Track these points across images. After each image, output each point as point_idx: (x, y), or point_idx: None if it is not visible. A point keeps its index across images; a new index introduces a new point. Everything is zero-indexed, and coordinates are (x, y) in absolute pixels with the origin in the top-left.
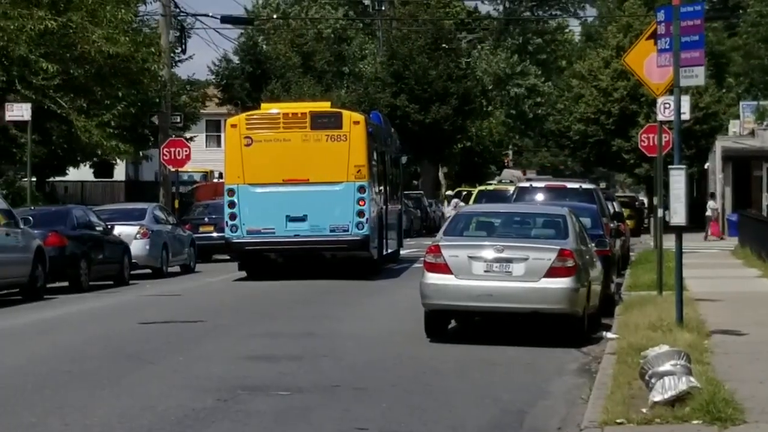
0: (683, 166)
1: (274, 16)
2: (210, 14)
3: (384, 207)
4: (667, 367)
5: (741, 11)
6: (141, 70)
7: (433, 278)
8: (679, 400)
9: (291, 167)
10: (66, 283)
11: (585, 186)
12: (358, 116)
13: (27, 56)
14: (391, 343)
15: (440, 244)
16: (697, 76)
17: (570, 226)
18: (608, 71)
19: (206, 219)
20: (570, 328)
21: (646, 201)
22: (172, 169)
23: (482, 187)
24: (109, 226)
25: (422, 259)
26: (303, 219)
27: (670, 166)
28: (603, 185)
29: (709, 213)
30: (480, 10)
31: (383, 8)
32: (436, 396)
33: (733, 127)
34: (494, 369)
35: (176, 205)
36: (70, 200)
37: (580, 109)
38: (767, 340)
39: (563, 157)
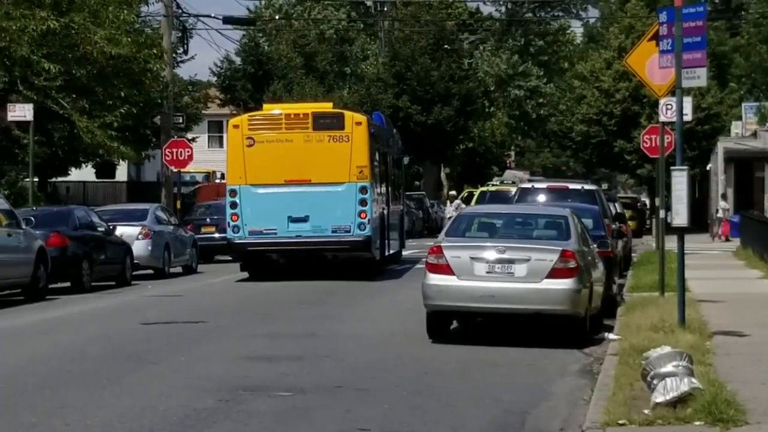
0: (685, 167)
1: (277, 17)
2: (212, 15)
3: (386, 208)
4: (669, 368)
5: (743, 12)
6: (143, 71)
7: (435, 279)
8: (681, 401)
9: (293, 168)
10: (68, 284)
11: (587, 187)
12: (360, 117)
13: (29, 57)
14: (393, 344)
15: (442, 245)
16: (699, 78)
17: (572, 227)
18: (610, 72)
19: (208, 219)
20: (572, 329)
21: (648, 202)
22: (174, 170)
23: (484, 188)
24: (111, 227)
25: (424, 259)
26: (305, 220)
27: (672, 167)
28: (605, 186)
29: (720, 214)
30: (482, 11)
31: (385, 9)
32: (437, 397)
33: (735, 128)
34: (496, 370)
35: (178, 205)
36: (72, 201)
37: (582, 110)
38: None
39: (565, 158)
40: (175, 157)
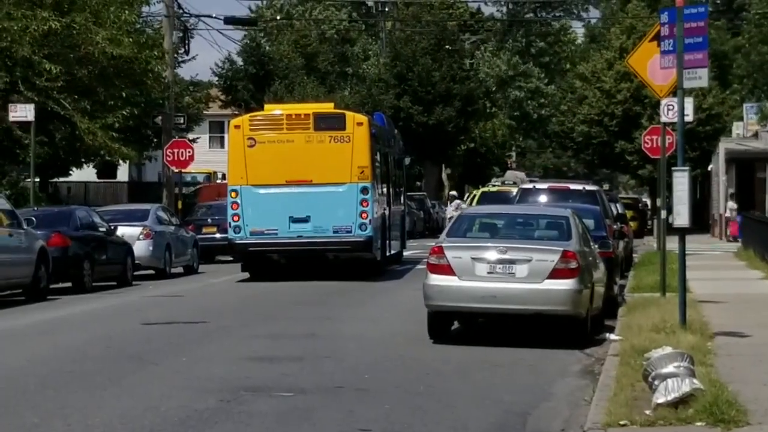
0: (687, 168)
1: (278, 17)
2: (213, 15)
3: (387, 208)
4: (670, 368)
5: (744, 12)
6: (144, 71)
7: (436, 279)
8: (682, 401)
9: (294, 168)
10: (69, 284)
11: (588, 187)
12: (362, 117)
13: (30, 57)
14: (394, 345)
15: (443, 245)
16: (700, 78)
17: (573, 228)
18: (611, 73)
19: (209, 220)
20: (573, 329)
21: (649, 203)
22: (176, 170)
23: (485, 189)
24: (112, 227)
25: (425, 260)
26: (306, 220)
27: (673, 168)
28: (606, 187)
29: (728, 214)
30: (483, 11)
31: (386, 9)
32: (438, 397)
33: (737, 129)
34: (497, 370)
35: (179, 206)
36: (74, 201)
37: (584, 111)
38: None
39: (566, 158)
40: (176, 158)
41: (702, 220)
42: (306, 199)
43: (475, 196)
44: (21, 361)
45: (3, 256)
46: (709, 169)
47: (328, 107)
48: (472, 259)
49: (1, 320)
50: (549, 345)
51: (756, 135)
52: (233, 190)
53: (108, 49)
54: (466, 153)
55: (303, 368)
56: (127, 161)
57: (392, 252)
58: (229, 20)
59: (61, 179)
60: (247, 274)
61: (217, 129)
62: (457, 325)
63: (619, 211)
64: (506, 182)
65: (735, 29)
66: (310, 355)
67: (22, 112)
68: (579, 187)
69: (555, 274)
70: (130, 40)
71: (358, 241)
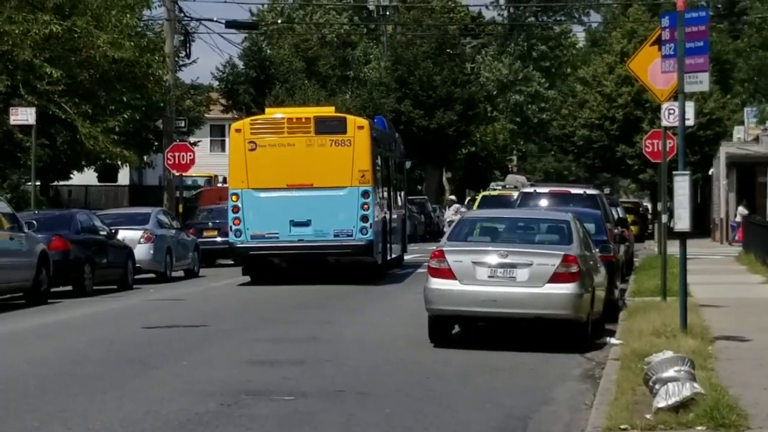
0: (687, 172)
1: (279, 21)
2: (214, 19)
3: (388, 212)
4: (671, 373)
5: (745, 15)
6: (145, 75)
7: (437, 283)
8: (683, 406)
9: (295, 172)
10: (70, 288)
11: (589, 191)
12: (363, 121)
13: (31, 61)
14: (395, 348)
15: (444, 249)
16: (701, 82)
17: (574, 232)
18: (612, 77)
19: (210, 223)
20: (574, 333)
21: (650, 207)
22: (177, 174)
23: (486, 193)
24: (113, 231)
25: (426, 264)
26: (307, 224)
27: (674, 172)
28: (607, 191)
29: (738, 218)
30: (484, 15)
31: (388, 14)
32: (439, 401)
33: (738, 133)
34: (498, 374)
35: (180, 209)
36: (74, 204)
37: (585, 115)
38: None
39: (567, 162)
40: (177, 161)
41: (703, 224)
42: (307, 202)
43: (476, 200)
44: (21, 364)
45: (4, 260)
46: (710, 173)
47: (329, 111)
48: (473, 263)
49: (2, 324)
50: (550, 349)
51: (757, 139)
52: (234, 194)
53: (109, 52)
54: (467, 157)
55: (304, 372)
56: (129, 165)
57: (393, 256)
58: (230, 24)
59: (62, 183)
60: (247, 278)
61: (218, 132)
62: (458, 329)
63: (620, 215)
64: (507, 186)
65: (736, 33)
66: (311, 359)
67: (23, 115)
68: (580, 191)
69: (556, 278)
70: (132, 43)
71: (359, 244)
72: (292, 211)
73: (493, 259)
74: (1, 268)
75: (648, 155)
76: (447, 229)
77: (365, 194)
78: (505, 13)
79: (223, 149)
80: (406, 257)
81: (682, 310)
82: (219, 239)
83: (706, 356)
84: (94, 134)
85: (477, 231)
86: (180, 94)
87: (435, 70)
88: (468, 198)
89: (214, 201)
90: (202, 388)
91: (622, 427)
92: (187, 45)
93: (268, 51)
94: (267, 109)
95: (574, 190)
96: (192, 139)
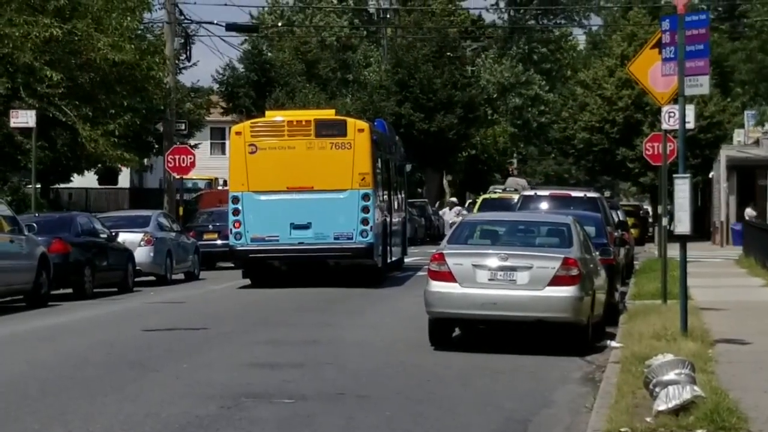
0: (688, 175)
1: (279, 24)
2: (215, 22)
3: (388, 215)
4: (671, 376)
5: (746, 18)
6: (146, 78)
7: (437, 286)
8: (683, 409)
9: (295, 175)
10: (70, 290)
11: (589, 194)
12: (363, 124)
13: (32, 64)
14: (395, 351)
15: (444, 252)
16: (701, 85)
17: (574, 235)
18: (613, 80)
19: (210, 226)
20: (574, 336)
21: (650, 210)
22: (177, 177)
23: (486, 196)
24: (113, 233)
25: (426, 267)
26: (307, 227)
27: (674, 175)
28: (607, 194)
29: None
30: (484, 18)
31: (388, 16)
32: (439, 404)
33: (738, 136)
34: (498, 377)
35: (180, 212)
36: (75, 207)
37: (585, 118)
38: None
39: (568, 165)
40: (177, 164)
41: (703, 227)
42: (307, 205)
43: (476, 203)
44: (22, 366)
45: (4, 263)
46: (710, 176)
47: (329, 114)
48: (473, 265)
49: (2, 326)
50: (550, 352)
51: (757, 142)
52: (234, 197)
53: (110, 55)
54: (467, 160)
55: (304, 375)
56: (129, 168)
57: (393, 259)
58: (231, 27)
59: (63, 185)
60: (248, 281)
61: (219, 135)
62: (458, 332)
63: (620, 219)
64: (507, 189)
65: (737, 35)
66: (311, 362)
67: (24, 118)
68: (580, 194)
69: (556, 281)
70: (132, 46)
71: (359, 247)
72: (292, 214)
73: (494, 262)
74: (1, 270)
75: (648, 158)
76: (448, 232)
77: (365, 197)
78: (506, 16)
79: (223, 152)
80: (406, 260)
81: (682, 313)
82: (219, 242)
83: (707, 359)
84: (95, 137)
85: (477, 234)
86: (180, 96)
87: (435, 73)
88: (468, 201)
89: (215, 204)
90: (203, 391)
91: (623, 430)
92: (188, 48)
93: (269, 54)
94: (267, 112)
95: (574, 193)
96: (192, 142)
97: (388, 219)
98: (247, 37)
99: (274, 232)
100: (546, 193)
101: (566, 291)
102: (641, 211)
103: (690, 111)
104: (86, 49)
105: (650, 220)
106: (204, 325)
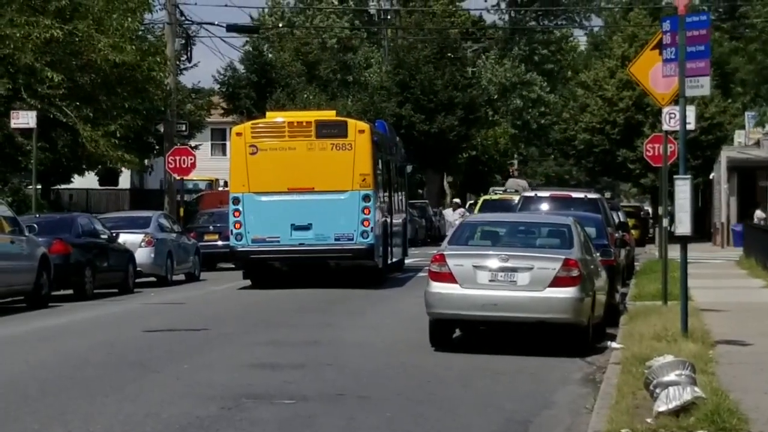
0: (688, 176)
1: (280, 25)
2: (216, 23)
3: (389, 216)
4: (671, 377)
5: (746, 19)
6: (146, 79)
7: (438, 287)
8: (683, 410)
9: (296, 176)
10: (70, 291)
11: (590, 195)
12: (364, 125)
13: (33, 64)
14: (396, 352)
15: (445, 253)
16: (702, 86)
17: (575, 236)
18: (613, 81)
19: (211, 227)
20: (575, 337)
21: (651, 211)
22: (177, 178)
23: (487, 197)
24: (113, 234)
25: (427, 268)
26: (308, 228)
27: (675, 176)
28: (608, 195)
29: (756, 222)
30: (485, 19)
31: (389, 17)
32: (440, 405)
33: (739, 137)
34: (498, 378)
35: (181, 213)
36: (75, 208)
37: (586, 119)
38: None
39: (568, 166)
40: (178, 165)
41: (704, 228)
42: (308, 206)
43: (476, 204)
44: (22, 367)
45: (4, 263)
46: (710, 177)
47: (330, 115)
48: (474, 266)
49: (3, 327)
50: (550, 353)
51: (758, 143)
52: (235, 198)
53: (110, 56)
54: (467, 161)
55: (305, 375)
56: (130, 168)
57: (394, 260)
58: (232, 28)
59: (63, 186)
60: (248, 282)
61: (219, 136)
62: (459, 333)
63: (621, 220)
64: (508, 190)
65: (737, 36)
66: (311, 363)
67: (24, 119)
68: (581, 195)
69: (556, 282)
70: (133, 47)
71: (360, 248)
72: (293, 214)
73: (494, 263)
74: (2, 271)
75: (649, 159)
76: (449, 233)
77: (366, 198)
78: (506, 17)
79: (224, 153)
80: (407, 261)
81: (682, 314)
82: (220, 243)
83: (707, 360)
84: (95, 138)
85: (478, 235)
86: (181, 97)
87: (436, 75)
88: (469, 202)
89: (215, 205)
90: (203, 392)
91: (623, 430)
92: (188, 49)
93: (269, 55)
94: (268, 113)
95: (575, 194)
96: (193, 143)
97: (388, 220)
98: (248, 39)
99: (274, 233)
100: (546, 194)
101: (567, 292)
102: (642, 212)
103: (691, 112)
104: (87, 50)
105: (651, 221)
106: (205, 326)
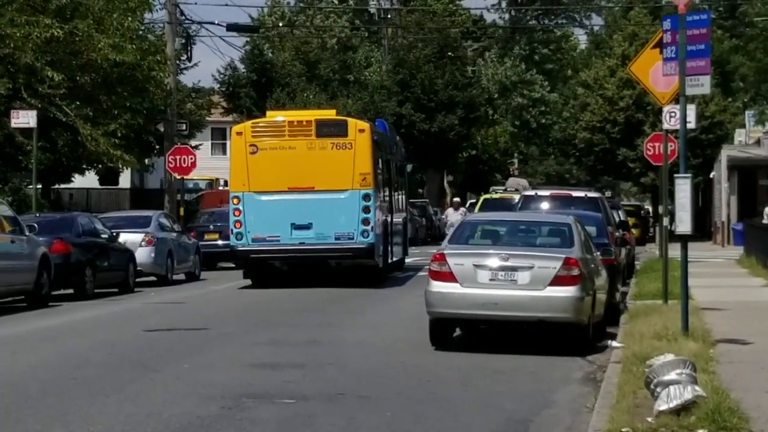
0: (689, 175)
1: (280, 24)
2: (216, 22)
3: (389, 215)
4: (672, 376)
5: (746, 19)
6: (147, 78)
7: (438, 286)
8: (684, 409)
9: (296, 175)
10: (71, 291)
11: (590, 194)
12: (364, 124)
13: (33, 64)
14: (396, 351)
15: (445, 252)
16: (702, 85)
17: (575, 235)
18: (614, 80)
19: (211, 227)
20: (575, 336)
21: (651, 210)
22: (178, 177)
23: (487, 196)
24: (114, 234)
25: (427, 267)
26: (308, 227)
27: (675, 175)
28: (608, 194)
29: (765, 220)
30: (486, 18)
31: (389, 17)
32: (440, 404)
33: (739, 136)
34: (499, 377)
35: (181, 212)
36: (76, 207)
37: (586, 118)
38: None
39: (569, 165)
40: (178, 164)
41: (704, 227)
42: (308, 205)
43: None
44: (23, 367)
45: (5, 263)
46: (711, 176)
47: (330, 114)
48: (474, 266)
49: (3, 327)
50: (551, 352)
51: (758, 142)
52: (235, 197)
53: (110, 55)
54: (468, 160)
55: (305, 375)
56: (130, 168)
57: (394, 259)
58: (232, 27)
59: (63, 186)
60: (248, 281)
61: (220, 136)
62: (459, 332)
63: (621, 218)
64: (508, 189)
65: (738, 35)
66: (312, 362)
67: (25, 118)
68: (581, 194)
69: (557, 281)
70: (133, 46)
71: (360, 248)
72: (293, 214)
73: (494, 262)
74: (2, 271)
75: (649, 158)
76: (449, 232)
77: (366, 197)
78: (507, 16)
79: (224, 152)
80: (407, 260)
81: (683, 313)
82: (220, 242)
83: (708, 359)
84: (95, 137)
85: (478, 234)
86: (181, 97)
87: (436, 74)
88: (470, 201)
89: (216, 204)
90: (204, 391)
91: (624, 430)
92: (189, 48)
93: (270, 54)
94: (268, 112)
95: (575, 193)
96: (193, 142)
97: (389, 219)
98: (248, 38)
99: (275, 232)
100: (547, 193)
101: (567, 291)
102: (642, 211)
103: (691, 111)
104: (87, 50)
105: (651, 220)
106: (205, 326)
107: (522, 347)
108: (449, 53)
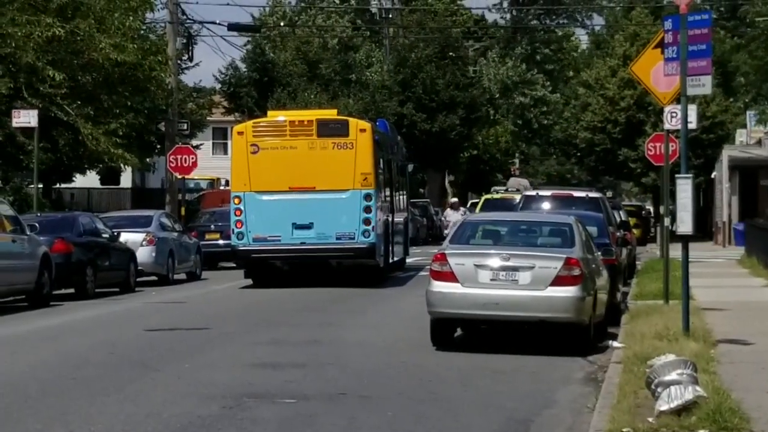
0: (690, 176)
1: (281, 24)
2: (217, 21)
3: (390, 215)
4: (673, 376)
5: (747, 19)
6: (148, 78)
7: (439, 286)
8: (685, 409)
9: (297, 175)
10: (72, 290)
11: (591, 195)
12: (365, 124)
13: (34, 63)
14: (397, 351)
15: (446, 252)
16: (704, 85)
17: (576, 235)
18: (615, 80)
19: (212, 226)
20: (576, 336)
21: (652, 210)
22: (179, 177)
23: (488, 196)
24: (115, 233)
25: (428, 267)
26: (309, 227)
27: (676, 176)
28: (609, 194)
29: None
30: (487, 18)
31: (390, 16)
32: (441, 404)
33: (740, 136)
34: (500, 377)
35: (182, 212)
36: (77, 207)
37: (587, 118)
38: None
39: (570, 165)
40: (179, 164)
41: (705, 227)
42: (309, 205)
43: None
44: (23, 366)
45: (6, 262)
46: (712, 176)
47: (331, 114)
48: (475, 266)
49: (4, 326)
50: (552, 352)
51: (759, 142)
52: (236, 197)
53: (112, 55)
54: (469, 160)
55: (306, 375)
56: (130, 167)
57: (395, 259)
58: (233, 27)
59: (65, 185)
60: (250, 281)
61: (221, 135)
62: (460, 332)
63: (623, 219)
64: (509, 189)
65: (739, 35)
66: (312, 362)
67: (26, 118)
68: (582, 194)
69: (558, 281)
70: (134, 46)
71: (361, 247)
72: (294, 213)
73: (495, 262)
74: (3, 270)
75: (650, 158)
76: (449, 232)
77: (367, 197)
78: (508, 16)
79: (225, 152)
80: (408, 260)
81: (684, 313)
82: (221, 242)
83: (709, 359)
84: (96, 136)
85: (479, 234)
86: (182, 96)
87: (438, 74)
88: (471, 201)
89: (217, 204)
90: (204, 391)
91: (625, 430)
92: (190, 48)
93: (271, 54)
94: (269, 112)
95: (576, 193)
96: (194, 142)
97: (390, 219)
98: (250, 38)
99: (276, 232)
100: (548, 193)
101: (568, 291)
102: (643, 211)
103: (692, 111)
104: (88, 49)
105: (652, 220)
106: (206, 325)
107: (523, 347)
108: (450, 53)
